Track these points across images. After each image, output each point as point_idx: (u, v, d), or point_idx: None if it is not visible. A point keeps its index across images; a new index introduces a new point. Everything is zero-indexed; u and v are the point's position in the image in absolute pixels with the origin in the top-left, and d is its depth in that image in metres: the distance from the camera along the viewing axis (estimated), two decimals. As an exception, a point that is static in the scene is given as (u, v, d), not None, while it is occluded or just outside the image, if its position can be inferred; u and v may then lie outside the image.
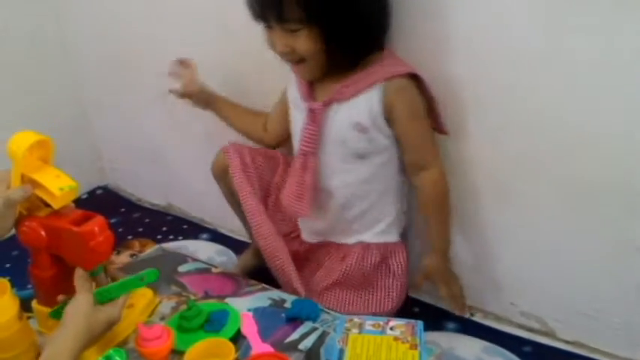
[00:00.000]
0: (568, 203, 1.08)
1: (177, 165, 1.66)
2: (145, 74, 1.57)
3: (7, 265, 1.43)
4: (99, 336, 0.93)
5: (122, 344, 1.01)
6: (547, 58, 0.99)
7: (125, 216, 1.74)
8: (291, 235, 1.29)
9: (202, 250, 1.54)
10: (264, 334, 1.02)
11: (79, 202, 1.74)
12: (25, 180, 0.96)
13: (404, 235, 1.25)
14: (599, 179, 1.03)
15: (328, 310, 1.08)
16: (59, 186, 0.96)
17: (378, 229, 1.20)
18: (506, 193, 1.14)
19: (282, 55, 1.08)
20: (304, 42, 1.03)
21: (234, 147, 1.25)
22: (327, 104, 1.11)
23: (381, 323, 1.01)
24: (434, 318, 1.25)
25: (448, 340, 1.20)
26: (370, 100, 1.07)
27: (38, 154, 0.97)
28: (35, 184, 0.96)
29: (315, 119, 1.12)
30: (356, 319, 1.02)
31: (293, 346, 1.00)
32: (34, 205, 1.00)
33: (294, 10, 1.00)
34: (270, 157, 1.29)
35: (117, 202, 1.83)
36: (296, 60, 1.08)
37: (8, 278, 1.00)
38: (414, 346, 0.95)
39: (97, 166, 1.90)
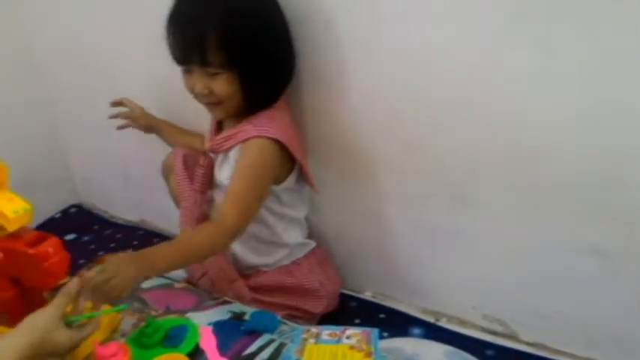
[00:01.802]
0: (525, 207, 1.13)
1: (149, 181, 1.71)
2: (115, 93, 1.62)
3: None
4: (47, 354, 0.93)
5: (82, 363, 1.06)
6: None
7: (98, 233, 1.80)
8: None
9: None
10: (223, 348, 1.07)
11: (52, 221, 1.84)
12: (-20, 205, 1.02)
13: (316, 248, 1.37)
14: (555, 184, 1.07)
15: (286, 322, 1.13)
16: (13, 209, 1.02)
17: (277, 256, 1.31)
18: (462, 199, 1.19)
19: (200, 97, 1.16)
20: (223, 85, 1.12)
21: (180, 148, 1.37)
22: (212, 151, 1.24)
23: (338, 332, 1.05)
24: (400, 324, 1.32)
25: (413, 345, 1.24)
26: (235, 156, 1.18)
27: (-8, 179, 1.03)
28: (-11, 208, 1.02)
29: (205, 164, 1.26)
30: (313, 329, 1.07)
31: (250, 359, 1.05)
32: (-9, 229, 1.06)
33: (217, 56, 1.08)
34: None
35: (90, 220, 1.89)
36: (213, 101, 1.16)
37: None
38: (368, 354, 0.99)
39: (70, 185, 1.96)
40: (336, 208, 1.38)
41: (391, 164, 1.23)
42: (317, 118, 1.27)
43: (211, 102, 1.16)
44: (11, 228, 1.03)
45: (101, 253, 1.67)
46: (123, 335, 1.13)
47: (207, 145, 1.27)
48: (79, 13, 1.59)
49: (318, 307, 1.32)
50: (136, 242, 1.73)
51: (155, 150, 1.62)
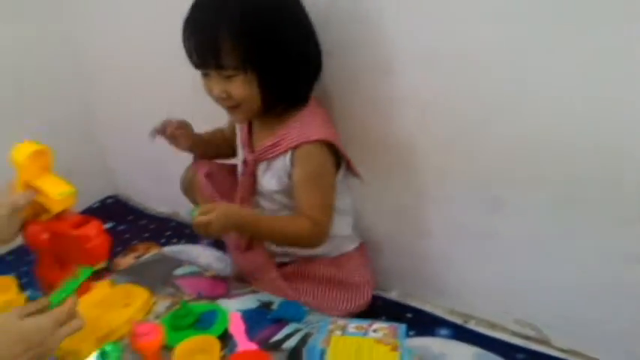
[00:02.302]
0: (562, 210, 1.12)
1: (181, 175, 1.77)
2: (153, 88, 1.70)
3: (24, 269, 1.56)
4: (14, 346, 0.87)
5: (119, 340, 1.11)
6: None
7: (133, 223, 1.88)
8: None
9: (203, 255, 1.63)
10: (250, 334, 1.12)
11: (90, 211, 1.92)
12: (28, 187, 1.08)
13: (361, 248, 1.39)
14: (593, 185, 1.07)
15: (314, 312, 1.17)
16: (58, 192, 1.08)
17: (329, 247, 1.32)
18: (498, 199, 1.19)
19: (219, 100, 1.18)
20: (239, 87, 1.13)
21: (201, 162, 1.41)
22: (257, 161, 1.25)
23: (364, 325, 1.09)
24: (426, 324, 1.33)
25: (440, 345, 1.26)
26: (285, 161, 1.21)
27: (39, 163, 1.09)
28: (37, 190, 1.09)
29: (247, 172, 1.27)
30: (339, 321, 1.11)
31: (277, 346, 1.10)
32: (37, 210, 1.12)
33: (231, 58, 1.10)
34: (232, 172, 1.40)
35: (125, 211, 1.96)
36: (232, 105, 1.17)
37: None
38: (394, 348, 1.03)
39: (108, 177, 2.05)
40: (367, 206, 1.40)
41: (427, 162, 1.25)
42: (348, 115, 1.29)
43: (230, 105, 1.18)
44: (56, 210, 1.09)
45: (135, 242, 1.73)
46: (157, 317, 1.19)
47: (245, 153, 1.28)
48: (124, 18, 1.67)
49: (361, 304, 1.33)
50: (168, 233, 1.79)
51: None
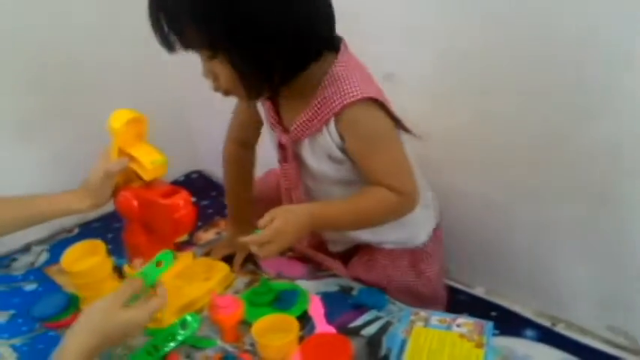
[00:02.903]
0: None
1: (265, 153, 1.78)
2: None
3: (110, 236, 1.62)
4: (116, 337, 0.93)
5: (198, 311, 1.13)
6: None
7: (215, 199, 1.89)
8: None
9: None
10: (329, 317, 1.10)
11: (175, 184, 1.95)
12: (122, 154, 1.11)
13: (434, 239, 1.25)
14: None
15: (394, 302, 1.14)
16: (151, 160, 1.10)
17: (397, 235, 1.20)
18: (599, 195, 1.13)
19: (211, 85, 1.05)
20: (219, 69, 0.98)
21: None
22: (295, 141, 1.08)
23: (448, 319, 1.05)
24: (512, 324, 1.28)
25: (525, 347, 1.20)
26: (331, 133, 1.04)
27: (134, 131, 1.12)
28: (130, 157, 1.11)
29: (287, 157, 1.10)
30: (422, 313, 1.07)
31: (356, 332, 1.08)
32: (129, 177, 1.15)
33: (195, 36, 0.95)
34: None
35: (209, 186, 1.98)
36: (221, 89, 1.03)
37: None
38: (480, 345, 0.98)
39: (193, 152, 2.08)
40: (453, 200, 1.34)
41: (523, 154, 1.19)
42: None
43: (219, 90, 1.03)
44: (147, 177, 1.11)
45: (217, 217, 1.76)
46: (236, 292, 1.20)
47: (278, 136, 1.11)
48: None
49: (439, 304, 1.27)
50: (248, 210, 1.80)
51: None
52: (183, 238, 1.45)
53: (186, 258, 1.26)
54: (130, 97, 1.72)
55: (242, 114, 1.28)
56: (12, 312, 1.33)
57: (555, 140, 1.15)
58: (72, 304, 1.19)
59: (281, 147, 1.11)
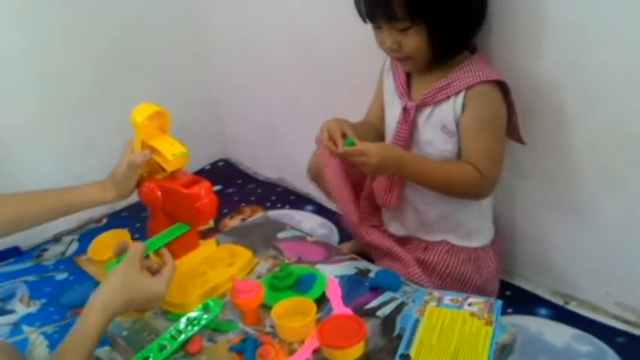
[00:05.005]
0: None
1: (290, 142, 1.80)
2: (264, 57, 1.73)
3: (137, 225, 1.67)
4: (139, 302, 0.99)
5: (220, 296, 1.15)
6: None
7: (241, 186, 1.93)
8: (378, 227, 1.35)
9: (306, 220, 1.67)
10: (346, 299, 1.12)
11: (202, 172, 2.00)
12: (145, 146, 1.14)
13: (494, 242, 1.28)
14: None
15: (409, 283, 1.16)
16: (172, 152, 1.13)
17: (461, 231, 1.24)
18: (608, 179, 1.13)
19: (390, 52, 1.15)
20: (412, 39, 1.09)
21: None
22: (421, 107, 1.17)
23: (460, 299, 1.06)
24: (526, 303, 1.29)
25: (538, 325, 1.22)
26: (456, 104, 1.13)
27: (157, 124, 1.15)
28: (153, 149, 1.14)
29: (408, 119, 1.19)
30: (435, 293, 1.09)
31: (372, 313, 1.09)
32: (153, 168, 1.18)
33: (402, 11, 1.06)
34: None
35: (235, 174, 2.01)
36: (403, 57, 1.14)
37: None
38: (489, 323, 1.00)
39: (220, 141, 2.10)
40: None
41: (536, 139, 1.18)
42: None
43: (401, 57, 1.14)
44: (170, 168, 1.14)
45: (242, 204, 1.78)
46: (258, 277, 1.22)
47: (404, 102, 1.20)
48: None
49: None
50: (274, 197, 1.83)
51: (299, 113, 1.70)
52: (209, 225, 1.50)
53: (209, 245, 1.29)
54: (160, 88, 1.78)
55: (374, 118, 1.34)
56: (43, 301, 1.37)
57: (564, 125, 1.13)
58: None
59: (405, 111, 1.20)
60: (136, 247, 1.04)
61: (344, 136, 1.15)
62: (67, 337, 0.91)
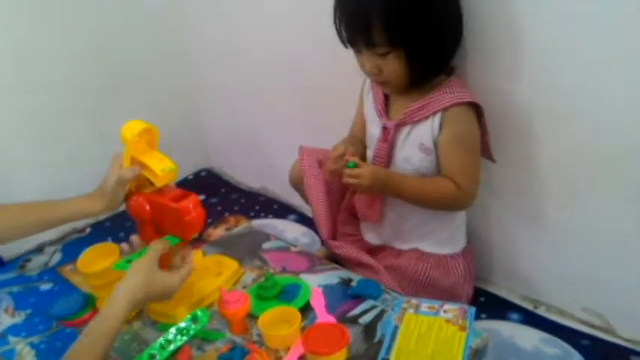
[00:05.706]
0: (632, 205, 1.11)
1: (273, 151, 1.84)
2: (247, 68, 1.76)
3: (122, 235, 1.69)
4: (155, 295, 1.05)
5: (208, 306, 1.19)
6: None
7: (224, 196, 1.95)
8: (354, 236, 1.41)
9: (289, 229, 1.71)
10: (330, 308, 1.16)
11: (185, 182, 2.02)
12: (134, 161, 1.16)
13: (466, 250, 1.34)
14: None
15: (389, 291, 1.20)
16: (162, 167, 1.15)
17: (433, 240, 1.30)
18: (570, 194, 1.19)
19: (371, 75, 1.20)
20: (391, 64, 1.14)
21: (308, 152, 1.37)
22: (399, 126, 1.22)
23: (436, 306, 1.11)
24: (498, 308, 1.34)
25: (510, 329, 1.27)
26: (433, 124, 1.18)
27: (146, 139, 1.17)
28: (142, 165, 1.16)
29: (387, 138, 1.24)
30: (413, 301, 1.14)
31: (354, 320, 1.14)
32: (141, 183, 1.20)
33: (381, 37, 1.10)
34: None
35: (218, 184, 2.04)
36: (382, 80, 1.19)
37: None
38: (463, 329, 1.05)
39: (202, 150, 2.13)
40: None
41: (506, 157, 1.24)
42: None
43: (381, 80, 1.19)
44: (159, 184, 1.16)
45: (226, 214, 1.81)
46: (244, 287, 1.26)
47: (383, 122, 1.25)
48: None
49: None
50: (257, 207, 1.86)
51: (282, 123, 1.74)
52: (194, 236, 1.52)
53: (196, 256, 1.31)
54: (141, 98, 1.79)
55: (357, 131, 1.39)
56: (29, 311, 1.38)
57: (532, 141, 1.19)
58: (89, 303, 1.24)
59: (384, 130, 1.25)
60: (158, 244, 1.10)
61: (342, 155, 1.21)
62: (86, 330, 0.95)
